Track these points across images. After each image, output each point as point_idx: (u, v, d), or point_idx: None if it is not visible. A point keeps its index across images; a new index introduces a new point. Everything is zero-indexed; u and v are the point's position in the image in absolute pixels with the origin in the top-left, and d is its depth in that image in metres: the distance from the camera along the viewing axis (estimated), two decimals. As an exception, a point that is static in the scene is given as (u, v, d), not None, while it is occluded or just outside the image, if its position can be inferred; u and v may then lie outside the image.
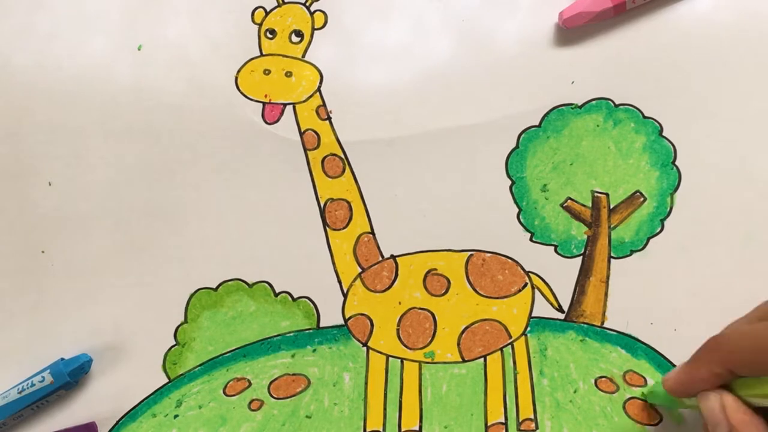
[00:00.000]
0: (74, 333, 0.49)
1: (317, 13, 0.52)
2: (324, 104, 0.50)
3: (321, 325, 0.48)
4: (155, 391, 0.48)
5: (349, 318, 0.48)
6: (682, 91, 0.49)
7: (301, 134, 0.50)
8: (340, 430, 0.47)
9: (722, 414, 0.35)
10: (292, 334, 0.48)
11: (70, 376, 0.47)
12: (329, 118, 0.50)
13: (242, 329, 0.49)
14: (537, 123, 0.49)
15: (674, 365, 0.46)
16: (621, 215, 0.48)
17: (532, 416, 0.46)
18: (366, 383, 0.48)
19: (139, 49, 0.52)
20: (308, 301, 0.49)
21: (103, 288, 0.50)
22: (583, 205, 0.48)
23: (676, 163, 0.48)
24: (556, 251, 0.48)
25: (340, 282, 0.49)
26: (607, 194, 0.48)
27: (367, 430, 0.47)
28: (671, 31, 0.49)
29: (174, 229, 0.50)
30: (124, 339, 0.49)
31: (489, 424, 0.46)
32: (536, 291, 0.48)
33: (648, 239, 0.48)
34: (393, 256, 0.49)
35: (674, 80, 0.49)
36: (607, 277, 0.47)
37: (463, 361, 0.47)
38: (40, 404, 0.48)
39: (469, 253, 0.48)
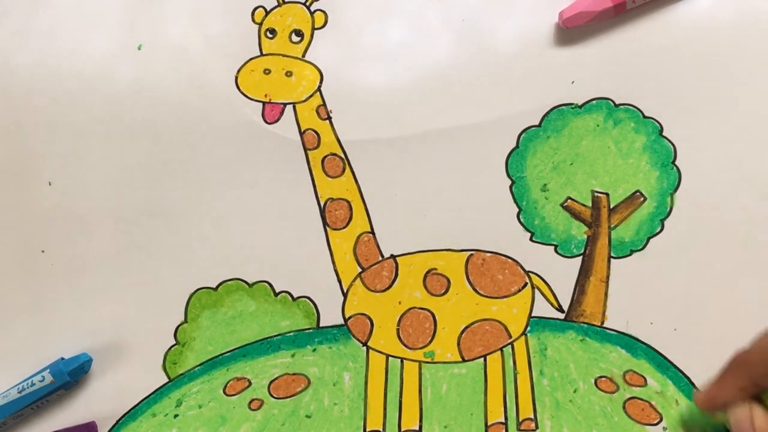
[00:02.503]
0: (74, 333, 0.49)
1: (317, 12, 0.52)
2: (324, 104, 0.50)
3: (321, 324, 0.48)
4: (155, 391, 0.48)
5: (349, 318, 0.48)
6: (682, 91, 0.48)
7: (301, 134, 0.50)
8: (340, 429, 0.47)
9: (750, 425, 0.36)
10: (292, 334, 0.48)
11: (70, 376, 0.47)
12: (329, 118, 0.50)
13: (242, 329, 0.49)
14: (537, 123, 0.49)
15: (674, 365, 0.46)
16: (621, 215, 0.48)
17: (532, 416, 0.46)
18: (366, 383, 0.48)
19: (139, 49, 0.52)
20: (308, 300, 0.49)
21: (103, 288, 0.49)
22: (583, 205, 0.48)
23: (676, 163, 0.48)
24: (556, 251, 0.48)
25: (340, 282, 0.49)
26: (607, 194, 0.48)
27: (367, 429, 0.47)
28: (671, 31, 0.49)
29: (174, 229, 0.50)
30: (124, 339, 0.49)
31: (489, 423, 0.46)
32: (536, 291, 0.48)
33: (648, 239, 0.47)
34: (393, 256, 0.49)
35: (674, 80, 0.49)
36: (607, 277, 0.47)
37: (463, 360, 0.47)
38: (40, 404, 0.48)
39: (469, 252, 0.48)
